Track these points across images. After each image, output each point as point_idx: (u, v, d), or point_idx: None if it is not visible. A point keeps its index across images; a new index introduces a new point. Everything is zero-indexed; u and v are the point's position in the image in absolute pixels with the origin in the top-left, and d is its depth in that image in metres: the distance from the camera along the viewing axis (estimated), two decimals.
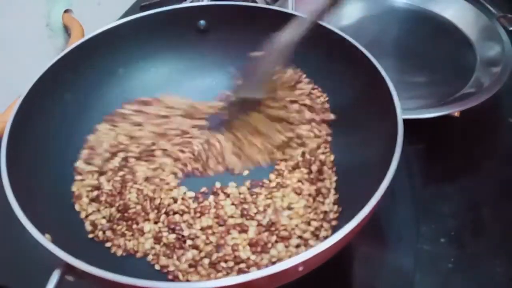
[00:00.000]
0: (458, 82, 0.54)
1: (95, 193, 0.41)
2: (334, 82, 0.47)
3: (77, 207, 0.40)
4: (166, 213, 0.39)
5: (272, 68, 0.42)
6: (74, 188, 0.41)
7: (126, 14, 0.71)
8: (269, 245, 0.37)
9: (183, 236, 0.38)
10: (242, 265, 0.36)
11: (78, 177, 0.42)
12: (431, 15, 0.65)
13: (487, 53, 0.56)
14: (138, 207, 0.40)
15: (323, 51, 0.46)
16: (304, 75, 0.49)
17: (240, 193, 0.41)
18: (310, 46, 0.47)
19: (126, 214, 0.39)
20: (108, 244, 0.38)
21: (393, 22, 0.65)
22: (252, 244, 0.37)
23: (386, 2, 0.68)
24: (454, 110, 0.47)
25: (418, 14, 0.66)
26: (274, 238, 0.37)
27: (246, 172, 0.44)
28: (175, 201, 0.41)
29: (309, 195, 0.40)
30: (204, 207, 0.40)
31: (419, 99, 0.52)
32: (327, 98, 0.48)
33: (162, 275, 0.36)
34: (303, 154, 0.44)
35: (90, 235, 0.39)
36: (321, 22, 0.44)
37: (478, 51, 0.58)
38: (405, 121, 0.35)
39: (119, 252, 0.38)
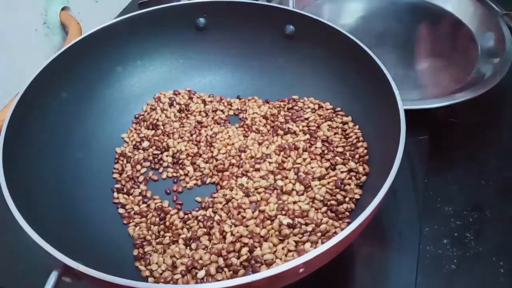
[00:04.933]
0: (460, 73, 0.54)
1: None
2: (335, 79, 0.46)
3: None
4: None
5: None
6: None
7: (124, 11, 0.71)
8: None
9: None
10: None
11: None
12: (432, 7, 0.65)
13: (488, 44, 0.57)
14: None
15: (323, 47, 0.46)
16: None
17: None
18: (311, 42, 0.47)
19: None
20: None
21: (395, 15, 0.65)
22: None
23: None
24: (456, 101, 0.47)
25: (420, 7, 0.66)
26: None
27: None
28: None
29: None
30: None
31: (422, 90, 0.53)
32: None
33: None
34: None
35: None
36: (319, 18, 0.44)
37: (479, 42, 0.58)
38: (407, 113, 0.35)
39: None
